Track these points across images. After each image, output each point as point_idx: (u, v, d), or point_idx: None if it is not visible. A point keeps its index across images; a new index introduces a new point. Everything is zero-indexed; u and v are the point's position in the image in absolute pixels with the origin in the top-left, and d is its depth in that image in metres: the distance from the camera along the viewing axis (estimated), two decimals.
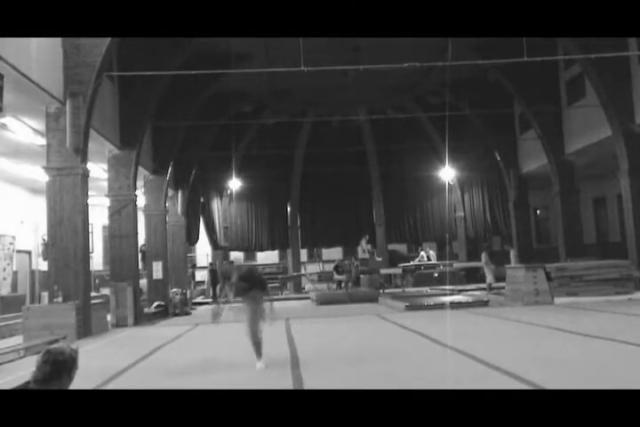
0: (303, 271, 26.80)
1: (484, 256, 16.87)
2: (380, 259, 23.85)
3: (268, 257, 29.20)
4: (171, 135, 17.58)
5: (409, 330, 9.70)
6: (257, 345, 6.81)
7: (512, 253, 17.28)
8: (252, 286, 7.03)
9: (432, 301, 15.00)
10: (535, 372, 5.51)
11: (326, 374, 6.13)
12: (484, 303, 13.89)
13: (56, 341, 8.99)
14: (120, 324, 13.23)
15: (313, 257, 28.12)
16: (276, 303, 7.83)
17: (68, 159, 11.05)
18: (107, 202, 14.90)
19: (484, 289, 17.12)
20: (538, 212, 26.43)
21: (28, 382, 2.97)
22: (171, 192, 19.64)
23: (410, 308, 13.50)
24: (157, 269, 17.49)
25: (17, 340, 10.39)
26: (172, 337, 10.46)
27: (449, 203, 25.70)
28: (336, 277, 21.47)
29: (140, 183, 16.45)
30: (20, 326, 10.71)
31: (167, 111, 16.79)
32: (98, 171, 15.48)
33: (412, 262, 22.31)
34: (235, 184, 24.52)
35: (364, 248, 23.22)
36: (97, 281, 21.34)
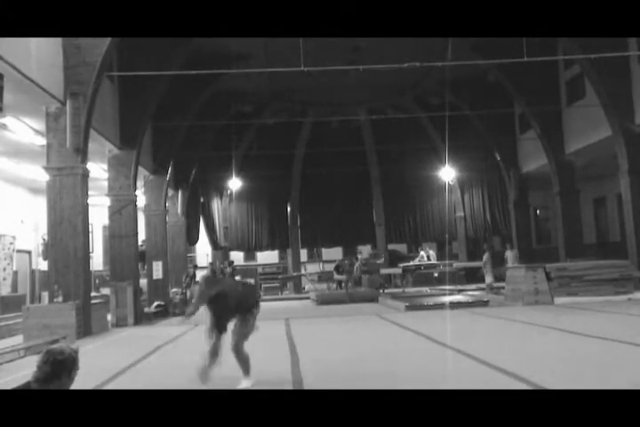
0: (303, 271, 26.80)
1: (485, 256, 16.89)
2: (380, 261, 23.65)
3: (267, 257, 29.19)
4: (171, 135, 17.58)
5: (409, 330, 9.70)
6: (245, 361, 5.68)
7: (509, 254, 17.22)
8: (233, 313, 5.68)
9: (432, 301, 15.00)
10: (535, 372, 5.51)
11: (326, 375, 6.13)
12: (484, 303, 13.89)
13: (56, 341, 8.99)
14: (120, 324, 13.23)
15: (313, 257, 28.12)
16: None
17: (68, 159, 11.05)
18: (107, 202, 14.90)
19: (483, 289, 17.14)
20: (538, 212, 26.44)
21: (29, 382, 2.97)
22: (171, 192, 19.63)
23: (410, 308, 13.50)
24: (157, 269, 17.49)
25: (17, 340, 10.39)
26: (172, 337, 10.46)
27: (449, 203, 25.70)
28: (336, 277, 21.46)
29: (140, 183, 16.45)
30: (20, 326, 10.71)
31: (167, 111, 16.78)
32: (98, 171, 15.48)
33: (411, 262, 22.31)
34: (235, 184, 24.52)
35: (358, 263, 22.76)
36: (97, 281, 21.35)
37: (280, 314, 14.28)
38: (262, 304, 6.41)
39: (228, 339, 5.74)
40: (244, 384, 5.54)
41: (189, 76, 13.73)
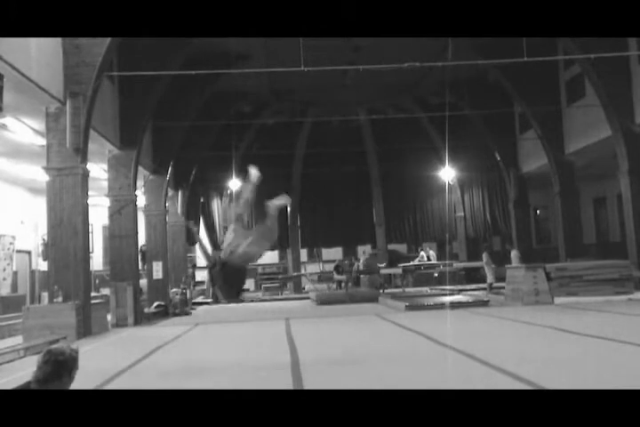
0: (303, 271, 26.80)
1: (484, 256, 16.91)
2: (383, 265, 23.74)
3: (267, 257, 29.17)
4: (171, 135, 17.57)
5: (409, 330, 9.69)
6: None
7: (513, 254, 17.30)
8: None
9: (432, 301, 15.00)
10: (535, 372, 5.51)
11: (326, 375, 6.13)
12: (484, 303, 13.88)
13: (56, 341, 8.99)
14: (120, 324, 13.23)
15: (313, 257, 28.11)
16: None
17: (67, 159, 11.05)
18: (107, 202, 14.90)
19: (484, 289, 17.15)
20: (538, 212, 26.45)
21: (29, 383, 2.98)
22: (171, 192, 19.63)
23: (410, 308, 13.49)
24: (157, 270, 17.49)
25: (17, 340, 10.39)
26: (172, 337, 10.46)
27: (449, 203, 25.70)
28: (336, 277, 21.46)
29: (140, 183, 16.45)
30: (20, 326, 10.70)
31: (167, 111, 16.78)
32: (98, 171, 15.48)
33: (412, 262, 22.31)
34: (235, 184, 24.51)
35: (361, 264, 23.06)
36: (97, 281, 21.35)
37: (280, 314, 14.29)
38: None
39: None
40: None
41: (189, 76, 13.73)
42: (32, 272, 19.72)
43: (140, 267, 16.18)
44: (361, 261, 22.33)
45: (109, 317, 13.28)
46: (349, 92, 21.22)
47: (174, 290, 17.88)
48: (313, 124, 24.14)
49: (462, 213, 25.92)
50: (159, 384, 5.92)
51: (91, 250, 14.31)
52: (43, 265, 17.67)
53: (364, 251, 23.32)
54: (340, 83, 20.09)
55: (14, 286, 18.04)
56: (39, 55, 10.11)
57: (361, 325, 11.33)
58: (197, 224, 23.80)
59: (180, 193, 20.34)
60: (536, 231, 25.30)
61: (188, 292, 18.86)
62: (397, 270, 22.00)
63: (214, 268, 6.60)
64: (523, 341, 8.01)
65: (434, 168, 24.77)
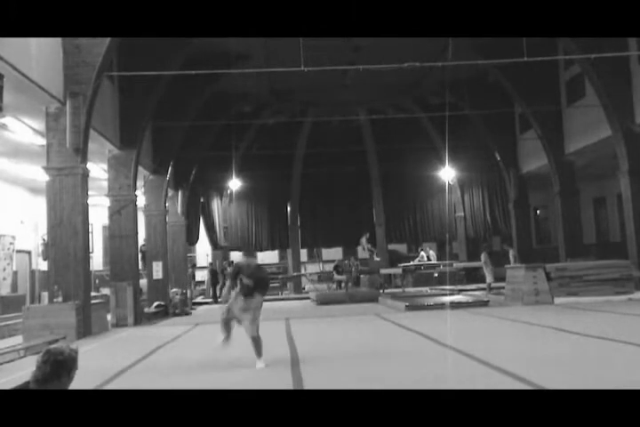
0: (303, 271, 26.80)
1: (483, 256, 16.91)
2: (378, 259, 23.91)
3: (268, 257, 29.18)
4: (171, 135, 17.58)
5: (409, 330, 9.70)
6: (258, 344, 6.79)
7: (511, 253, 17.32)
8: (257, 285, 6.99)
9: (432, 301, 15.01)
10: (535, 372, 5.51)
11: (326, 374, 6.13)
12: (484, 303, 13.89)
13: (56, 341, 8.99)
14: (120, 324, 13.23)
15: (313, 257, 28.11)
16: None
17: (68, 159, 11.05)
18: (107, 202, 14.90)
19: (484, 289, 17.16)
20: (538, 212, 26.44)
21: (27, 383, 2.97)
22: (171, 192, 19.63)
23: (410, 308, 13.50)
24: (157, 270, 17.49)
25: (17, 340, 10.39)
26: (172, 337, 10.47)
27: (449, 203, 25.69)
28: (336, 277, 21.47)
29: (140, 183, 16.45)
30: (20, 326, 10.71)
31: (167, 111, 16.77)
32: (98, 171, 15.48)
33: (412, 262, 22.31)
34: (235, 184, 24.52)
35: (364, 247, 23.45)
36: (97, 281, 21.35)
37: (280, 314, 14.29)
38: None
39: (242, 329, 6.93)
40: (259, 365, 6.64)
41: (189, 76, 13.73)
42: (32, 272, 19.73)
43: (140, 267, 16.18)
44: (363, 239, 22.56)
45: (109, 317, 13.28)
46: (349, 92, 21.22)
47: (174, 290, 17.89)
48: (313, 124, 24.14)
49: (462, 213, 25.92)
50: (159, 384, 5.92)
51: (91, 250, 14.31)
52: (43, 265, 17.67)
53: (366, 236, 23.53)
54: (340, 83, 20.09)
55: (14, 286, 18.04)
56: (39, 55, 10.11)
57: (361, 325, 11.33)
58: (197, 224, 23.78)
59: (180, 193, 20.34)
60: (536, 231, 25.29)
61: (188, 292, 18.86)
62: (397, 270, 22.02)
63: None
64: (522, 341, 8.01)
65: (434, 168, 24.77)
